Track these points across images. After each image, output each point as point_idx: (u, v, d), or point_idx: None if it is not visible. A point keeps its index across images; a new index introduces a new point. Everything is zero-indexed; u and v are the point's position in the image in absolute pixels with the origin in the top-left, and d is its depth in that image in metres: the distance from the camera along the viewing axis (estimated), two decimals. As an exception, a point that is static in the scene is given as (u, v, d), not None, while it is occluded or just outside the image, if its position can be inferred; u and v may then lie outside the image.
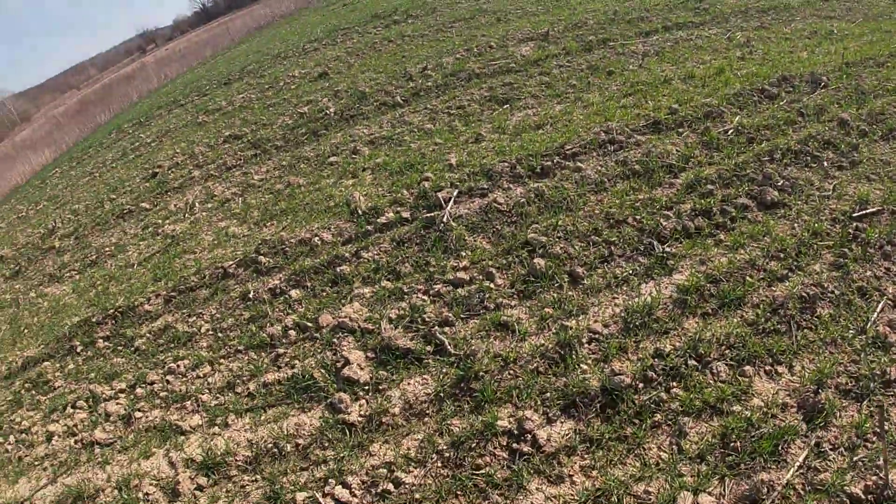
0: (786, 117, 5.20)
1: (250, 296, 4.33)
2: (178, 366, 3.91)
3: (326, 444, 2.96)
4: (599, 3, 10.38)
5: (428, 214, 4.53)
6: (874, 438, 2.43)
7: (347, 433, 2.98)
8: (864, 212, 3.92)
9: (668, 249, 3.82)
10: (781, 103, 5.54)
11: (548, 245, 3.98)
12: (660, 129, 5.24)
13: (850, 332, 3.03)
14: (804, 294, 3.29)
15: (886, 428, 2.41)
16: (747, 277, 3.46)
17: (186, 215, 6.55)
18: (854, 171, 4.51)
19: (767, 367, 2.90)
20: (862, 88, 5.89)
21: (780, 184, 4.28)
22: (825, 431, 2.52)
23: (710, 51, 7.30)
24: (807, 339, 3.02)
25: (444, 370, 3.19)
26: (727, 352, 2.98)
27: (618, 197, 4.36)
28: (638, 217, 4.13)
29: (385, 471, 2.73)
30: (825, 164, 4.56)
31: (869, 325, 3.04)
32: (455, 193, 4.70)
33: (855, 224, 3.84)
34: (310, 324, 3.87)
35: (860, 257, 3.55)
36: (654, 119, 5.34)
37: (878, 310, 3.12)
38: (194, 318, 4.38)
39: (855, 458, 2.38)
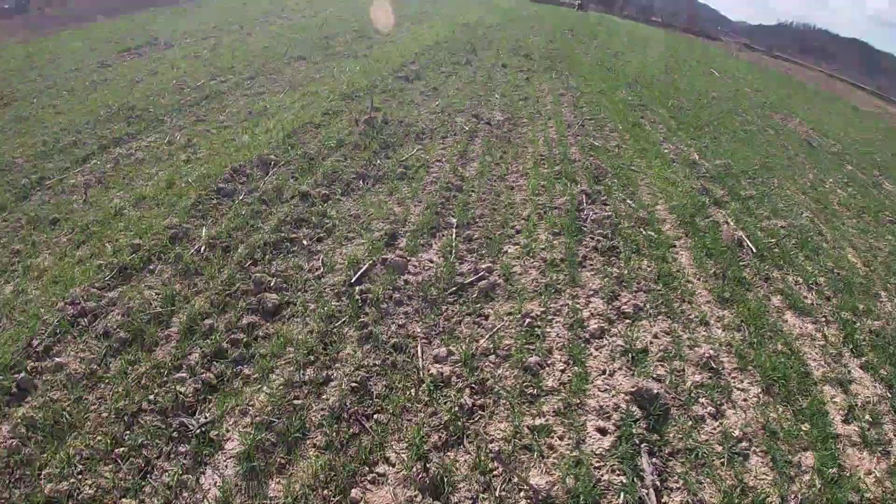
0: (250, 211, 6.20)
1: None
2: None
3: None
4: (27, 137, 9.88)
5: None
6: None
7: None
8: (359, 274, 5.04)
9: (204, 418, 3.84)
10: (241, 198, 6.57)
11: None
12: (130, 276, 5.29)
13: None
14: (355, 384, 3.95)
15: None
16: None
17: None
18: (333, 237, 5.77)
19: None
20: (309, 155, 7.68)
21: (273, 284, 5.01)
22: None
23: (154, 162, 7.96)
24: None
25: None
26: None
27: (120, 385, 4.12)
28: (153, 398, 4.00)
29: None
30: (305, 242, 5.66)
31: (423, 373, 3.87)
32: None
33: (358, 289, 4.87)
34: None
35: (377, 319, 4.52)
36: (119, 265, 5.36)
37: (420, 354, 4.02)
38: None
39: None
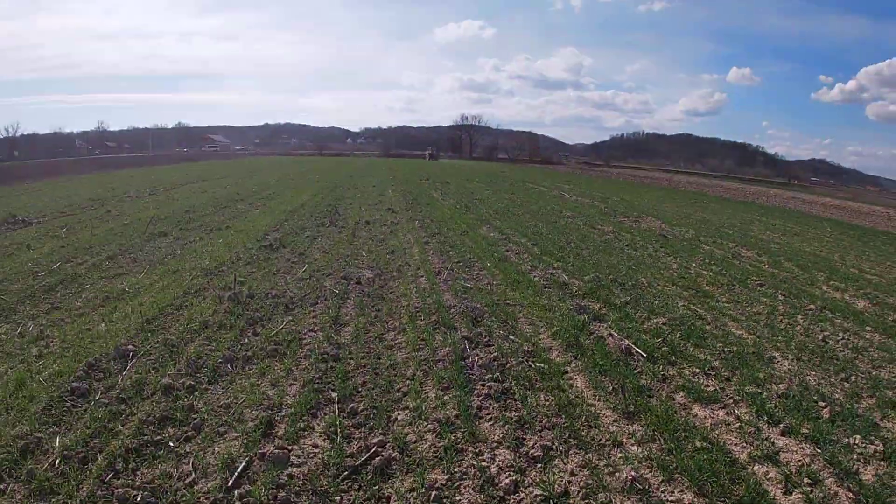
0: (108, 413, 5.38)
1: None
2: None
3: None
4: None
5: None
6: None
7: None
8: (235, 475, 4.40)
9: None
10: (97, 397, 5.73)
11: None
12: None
13: None
14: None
15: None
16: None
17: None
18: (203, 434, 5.08)
19: None
20: (171, 341, 6.99)
21: (140, 499, 4.23)
22: None
23: (4, 358, 6.93)
24: None
25: None
26: None
27: None
28: None
29: None
30: (171, 444, 4.92)
31: None
32: None
33: (237, 492, 4.22)
34: None
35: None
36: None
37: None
38: None
39: None
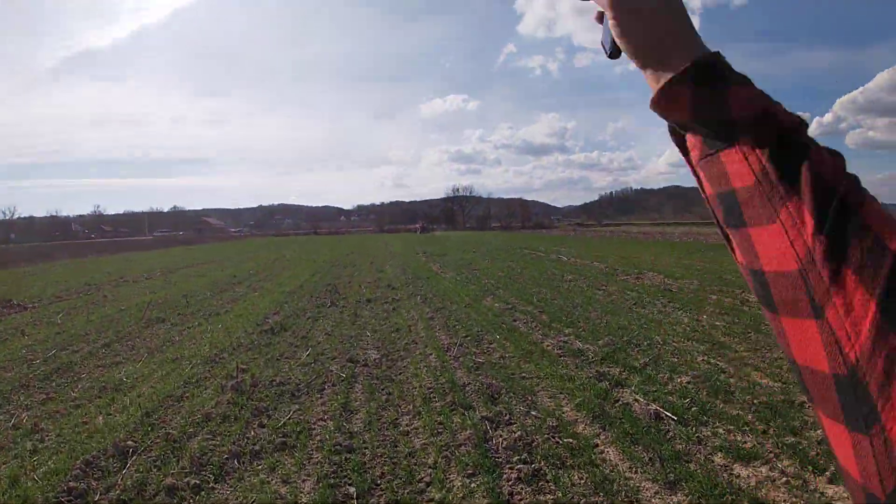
0: None
1: None
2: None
3: None
4: None
5: None
6: None
7: None
8: None
9: None
10: (97, 499, 5.31)
11: None
12: None
13: None
14: None
15: None
16: None
17: None
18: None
19: None
20: (173, 436, 6.56)
21: None
22: None
23: None
24: None
25: None
26: None
27: None
28: None
29: None
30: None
31: None
32: None
33: None
34: None
35: None
36: None
37: None
38: None
39: None
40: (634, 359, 9.06)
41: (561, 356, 9.36)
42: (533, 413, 6.98)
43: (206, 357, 10.04)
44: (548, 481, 5.36)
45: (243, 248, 56.62)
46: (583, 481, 5.33)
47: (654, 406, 6.91)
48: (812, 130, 0.63)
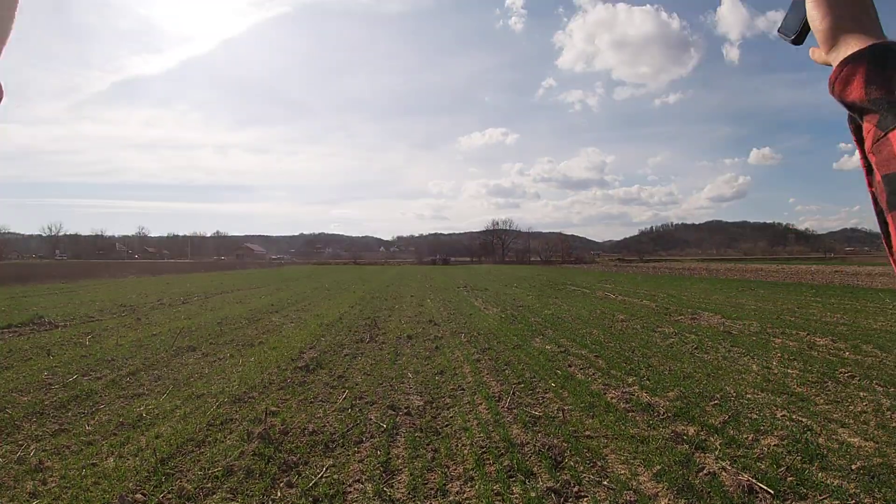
0: None
1: None
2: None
3: None
4: None
5: None
6: None
7: None
8: None
9: None
10: None
11: None
12: None
13: None
14: None
15: None
16: None
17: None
18: None
19: None
20: (187, 492, 5.71)
21: None
22: None
23: None
24: None
25: None
26: None
27: None
28: None
29: None
30: None
31: None
32: None
33: None
34: None
35: None
36: None
37: None
38: None
39: None
40: (711, 416, 7.91)
41: (628, 411, 8.25)
42: (605, 483, 5.90)
43: (234, 395, 9.25)
44: (635, 583, 4.30)
45: (283, 276, 56.71)
46: (680, 586, 4.26)
47: (745, 476, 5.83)
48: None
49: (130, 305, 23.11)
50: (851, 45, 0.71)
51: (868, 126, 0.68)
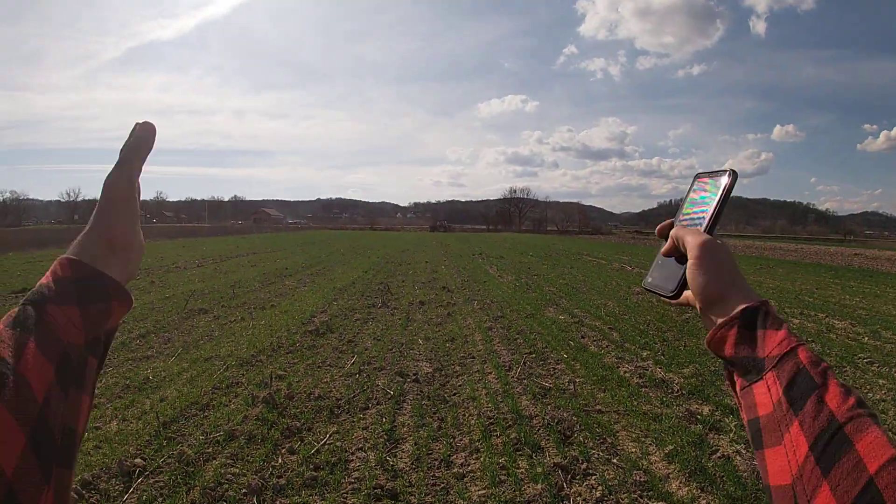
0: None
1: None
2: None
3: None
4: None
5: None
6: None
7: None
8: None
9: None
10: None
11: None
12: None
13: None
14: None
15: None
16: None
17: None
18: None
19: None
20: (188, 457, 5.63)
21: None
22: None
23: None
24: None
25: None
26: None
27: None
28: None
29: None
30: None
31: None
32: None
33: None
34: None
35: None
36: None
37: None
38: None
39: None
40: (726, 395, 7.65)
41: (641, 386, 8.03)
42: (614, 462, 5.71)
43: (241, 358, 9.16)
44: (643, 567, 4.12)
45: (298, 240, 56.78)
46: (690, 572, 4.06)
47: (761, 461, 5.55)
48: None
49: (145, 268, 23.13)
50: (728, 307, 0.81)
51: (737, 377, 0.79)
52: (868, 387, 8.13)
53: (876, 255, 52.70)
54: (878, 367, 9.23)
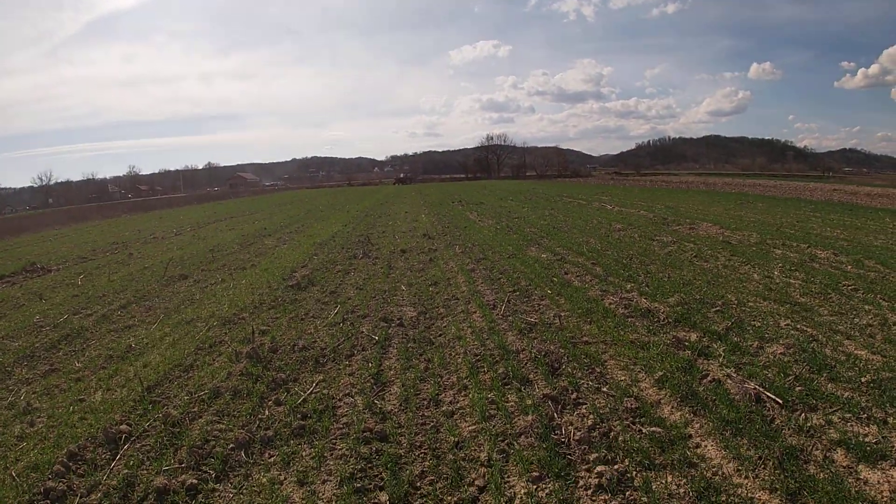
0: None
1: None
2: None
3: None
4: None
5: None
6: None
7: None
8: None
9: None
10: (75, 502, 4.26)
11: None
12: None
13: None
14: None
15: None
16: None
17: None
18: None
19: None
20: (173, 417, 5.48)
21: None
22: None
23: None
24: None
25: None
26: None
27: None
28: None
29: None
30: None
31: None
32: None
33: None
34: None
35: None
36: None
37: None
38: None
39: None
40: (713, 322, 7.63)
41: (627, 317, 8.00)
42: (605, 390, 5.68)
43: (224, 317, 9.00)
44: (636, 489, 4.08)
45: (276, 201, 56.01)
46: (682, 490, 4.04)
47: (751, 385, 5.56)
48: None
49: (122, 242, 22.68)
50: None
51: None
52: (854, 313, 8.10)
53: (855, 190, 53.07)
54: (862, 293, 9.20)
